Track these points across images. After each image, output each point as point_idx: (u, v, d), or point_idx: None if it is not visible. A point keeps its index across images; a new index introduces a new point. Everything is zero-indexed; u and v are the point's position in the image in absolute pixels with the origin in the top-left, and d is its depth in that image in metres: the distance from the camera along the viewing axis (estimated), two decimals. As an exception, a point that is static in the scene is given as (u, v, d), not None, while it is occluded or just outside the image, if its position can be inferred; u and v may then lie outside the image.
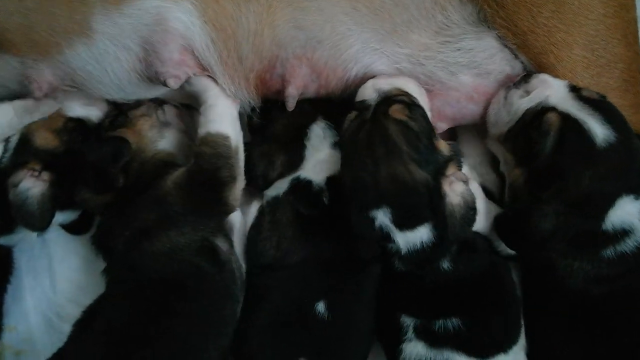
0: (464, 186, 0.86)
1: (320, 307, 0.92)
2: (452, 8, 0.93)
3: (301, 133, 1.01)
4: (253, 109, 1.01)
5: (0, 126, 1.05)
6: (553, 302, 0.90)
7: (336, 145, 0.99)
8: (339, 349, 0.95)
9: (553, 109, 0.86)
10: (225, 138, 0.95)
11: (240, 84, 0.97)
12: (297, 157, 1.00)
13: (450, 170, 0.87)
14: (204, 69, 0.94)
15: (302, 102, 1.02)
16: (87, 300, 1.09)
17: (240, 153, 0.96)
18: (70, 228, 1.13)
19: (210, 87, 0.96)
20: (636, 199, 0.84)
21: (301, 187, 0.99)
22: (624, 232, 0.85)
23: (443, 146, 0.89)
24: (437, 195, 0.83)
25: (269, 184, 1.01)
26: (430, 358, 0.92)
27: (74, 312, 1.09)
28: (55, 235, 1.16)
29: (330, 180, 0.97)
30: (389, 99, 0.89)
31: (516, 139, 0.91)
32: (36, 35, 0.95)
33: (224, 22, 0.93)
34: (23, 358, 1.16)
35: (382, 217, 0.84)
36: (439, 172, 0.85)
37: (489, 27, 0.93)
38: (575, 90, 0.88)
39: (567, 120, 0.85)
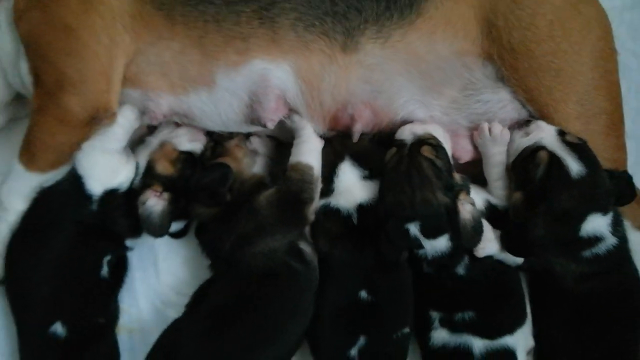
0: (472, 206, 1.14)
1: (363, 294, 1.17)
2: (476, 69, 1.21)
3: (333, 168, 1.23)
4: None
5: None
6: (552, 297, 1.16)
7: (366, 178, 1.22)
8: (384, 325, 1.18)
9: (544, 148, 1.14)
10: (310, 168, 1.19)
11: (318, 121, 1.25)
12: (328, 188, 1.22)
13: (462, 195, 1.15)
14: (293, 112, 1.21)
15: (332, 142, 1.25)
16: (185, 289, 1.35)
17: (319, 181, 1.19)
18: (172, 234, 1.34)
19: (306, 127, 1.22)
20: (603, 215, 1.11)
21: (329, 212, 1.22)
22: (596, 239, 1.12)
23: (457, 178, 1.18)
24: (454, 213, 1.12)
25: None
26: (452, 341, 1.17)
27: (174, 299, 1.37)
28: (160, 239, 1.34)
29: (360, 206, 1.20)
30: (421, 141, 1.18)
31: (517, 169, 1.18)
32: (167, 78, 1.22)
33: (312, 78, 1.20)
34: (134, 334, 1.35)
35: (414, 229, 1.12)
36: (455, 197, 1.13)
37: (504, 84, 1.21)
38: (562, 134, 1.16)
39: (553, 157, 1.12)
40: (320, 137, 1.25)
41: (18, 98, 1.38)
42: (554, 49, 1.19)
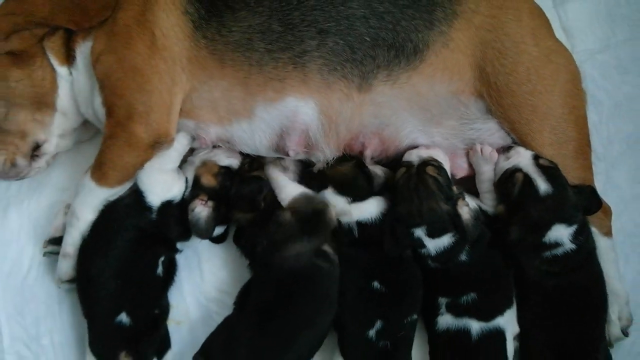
0: (468, 207, 1.35)
1: (376, 284, 1.34)
2: (470, 104, 1.42)
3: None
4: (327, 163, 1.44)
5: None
6: (526, 288, 1.35)
7: (352, 201, 1.38)
8: (396, 311, 1.34)
9: (520, 170, 1.35)
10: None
11: (333, 148, 1.43)
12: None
13: (460, 201, 1.36)
14: (310, 144, 1.40)
15: (318, 174, 1.43)
16: (224, 287, 1.52)
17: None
18: (213, 239, 1.50)
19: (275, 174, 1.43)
20: (568, 225, 1.32)
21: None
22: (556, 244, 1.32)
23: (455, 189, 1.39)
24: (457, 217, 1.33)
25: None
26: (454, 325, 1.34)
27: (216, 295, 1.52)
28: (203, 244, 1.52)
29: (359, 222, 1.37)
30: (426, 162, 1.39)
31: (499, 187, 1.40)
32: (215, 111, 1.40)
33: (331, 113, 1.39)
34: (182, 326, 1.49)
35: (419, 232, 1.32)
36: (454, 204, 1.34)
37: (492, 116, 1.42)
38: (536, 159, 1.36)
39: (527, 177, 1.34)
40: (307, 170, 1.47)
41: (82, 125, 1.56)
42: (531, 90, 1.38)
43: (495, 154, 1.42)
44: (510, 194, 1.36)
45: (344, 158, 1.45)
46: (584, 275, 1.34)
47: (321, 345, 1.36)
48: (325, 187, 1.42)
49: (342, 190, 1.40)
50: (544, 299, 1.34)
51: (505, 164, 1.38)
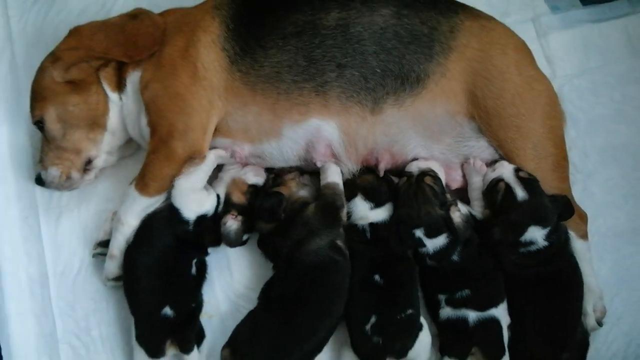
0: (460, 212, 1.50)
1: (377, 277, 1.48)
2: (464, 124, 1.58)
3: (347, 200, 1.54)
4: (354, 175, 1.59)
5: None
6: (511, 280, 1.51)
7: (373, 207, 1.52)
8: (390, 305, 1.46)
9: (503, 180, 1.50)
10: (337, 184, 1.54)
11: (353, 161, 1.57)
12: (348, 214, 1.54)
13: (453, 207, 1.50)
14: (334, 155, 1.56)
15: (352, 183, 1.56)
16: (251, 284, 1.63)
17: (343, 192, 1.54)
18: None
19: (328, 163, 1.57)
20: (543, 227, 1.47)
21: (351, 226, 1.55)
22: (531, 242, 1.47)
23: (448, 197, 1.54)
24: (450, 220, 1.48)
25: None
26: (453, 315, 1.48)
27: (243, 291, 1.64)
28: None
29: (372, 224, 1.52)
30: (424, 173, 1.54)
31: (487, 194, 1.55)
32: (248, 132, 1.54)
33: (350, 132, 1.54)
34: (213, 319, 1.61)
35: (419, 233, 1.48)
36: (447, 210, 1.49)
37: (483, 135, 1.57)
38: (517, 171, 1.50)
39: (508, 187, 1.49)
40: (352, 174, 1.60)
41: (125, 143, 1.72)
42: (516, 113, 1.52)
43: (485, 167, 1.57)
44: (494, 201, 1.51)
45: (365, 170, 1.60)
46: (556, 265, 1.48)
47: (334, 332, 1.49)
48: (355, 195, 1.56)
49: (368, 197, 1.55)
50: (526, 288, 1.49)
51: (492, 175, 1.52)
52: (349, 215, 1.57)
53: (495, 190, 1.51)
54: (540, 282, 1.50)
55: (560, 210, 1.50)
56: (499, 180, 1.51)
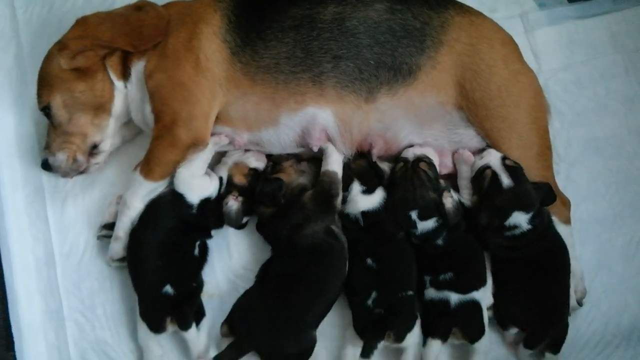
0: (452, 199, 1.57)
1: (369, 261, 1.54)
2: (454, 113, 1.64)
3: (346, 187, 1.60)
4: (349, 159, 1.64)
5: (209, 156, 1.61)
6: (498, 262, 1.59)
7: (365, 192, 1.57)
8: (388, 283, 1.52)
9: (489, 167, 1.55)
10: (335, 173, 1.59)
11: (347, 147, 1.62)
12: (344, 200, 1.60)
13: (445, 193, 1.57)
14: (330, 140, 1.61)
15: (347, 167, 1.61)
16: (250, 265, 1.69)
17: (340, 182, 1.59)
18: (238, 226, 1.66)
19: (330, 148, 1.61)
20: (526, 213, 1.52)
21: (344, 215, 1.61)
22: (515, 226, 1.53)
23: (442, 182, 1.61)
24: (441, 205, 1.56)
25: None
26: (436, 296, 1.55)
27: (242, 272, 1.70)
28: (231, 231, 1.71)
29: (363, 212, 1.56)
30: (419, 159, 1.60)
31: (474, 181, 1.60)
32: (247, 120, 1.59)
33: (345, 119, 1.59)
34: (214, 298, 1.67)
35: (414, 215, 1.55)
36: (440, 194, 1.56)
37: (471, 124, 1.63)
38: (504, 159, 1.55)
39: (494, 174, 1.54)
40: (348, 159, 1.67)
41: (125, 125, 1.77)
42: (502, 104, 1.58)
43: (472, 158, 1.62)
44: (481, 187, 1.57)
45: (359, 155, 1.65)
46: (542, 245, 1.55)
47: (330, 309, 1.57)
48: (352, 180, 1.62)
49: (361, 181, 1.61)
50: (515, 268, 1.57)
51: (479, 163, 1.59)
52: (344, 201, 1.62)
53: (482, 177, 1.57)
54: (528, 262, 1.56)
55: (543, 197, 1.56)
56: (486, 167, 1.57)
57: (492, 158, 1.58)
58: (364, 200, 1.61)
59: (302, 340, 1.51)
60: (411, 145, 1.66)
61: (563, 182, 1.77)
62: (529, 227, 1.54)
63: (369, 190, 1.61)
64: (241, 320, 1.53)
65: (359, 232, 1.61)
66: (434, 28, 1.62)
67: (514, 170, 1.56)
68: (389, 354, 1.60)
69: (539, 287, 1.56)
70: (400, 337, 1.53)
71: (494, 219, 1.55)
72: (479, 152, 1.65)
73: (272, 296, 1.52)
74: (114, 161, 1.81)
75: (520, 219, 1.54)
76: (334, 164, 1.61)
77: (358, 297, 1.57)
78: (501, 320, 1.62)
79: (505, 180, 1.54)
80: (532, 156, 1.62)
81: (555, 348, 1.57)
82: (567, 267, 1.58)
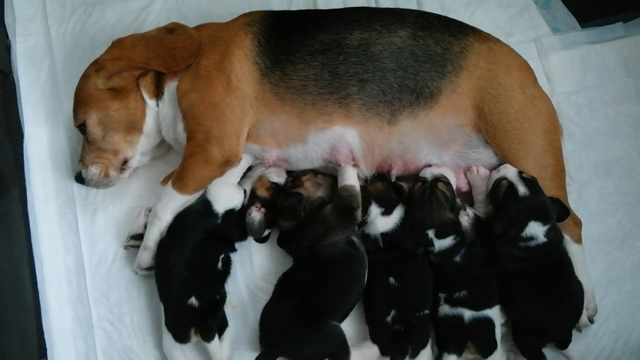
0: (468, 217, 1.63)
1: (392, 280, 1.61)
2: (472, 134, 1.70)
3: (364, 210, 1.65)
4: (365, 182, 1.71)
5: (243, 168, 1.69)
6: (509, 276, 1.62)
7: (384, 214, 1.62)
8: (407, 302, 1.59)
9: (506, 178, 1.60)
10: (353, 187, 1.65)
11: (369, 167, 1.69)
12: (364, 221, 1.67)
13: (462, 212, 1.63)
14: (354, 159, 1.67)
15: (364, 190, 1.66)
16: (271, 278, 1.71)
17: (359, 194, 1.65)
18: (259, 240, 1.76)
19: (346, 165, 1.68)
20: (543, 224, 1.56)
21: (365, 235, 1.67)
22: (531, 238, 1.56)
23: (458, 201, 1.67)
24: (458, 224, 1.61)
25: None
26: (450, 312, 1.59)
27: (263, 285, 1.76)
28: (254, 246, 1.78)
29: (382, 233, 1.63)
30: (437, 179, 1.66)
31: (491, 193, 1.64)
32: (276, 138, 1.66)
33: (368, 140, 1.65)
34: (236, 309, 1.73)
35: (431, 234, 1.61)
36: (457, 213, 1.63)
37: (489, 145, 1.69)
38: (520, 173, 1.61)
39: (510, 184, 1.59)
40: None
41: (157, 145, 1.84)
42: (519, 127, 1.64)
43: (487, 173, 1.68)
44: (497, 197, 1.61)
45: (375, 177, 1.72)
46: (557, 257, 1.59)
47: (349, 314, 1.63)
48: (370, 203, 1.67)
49: (379, 203, 1.67)
50: (523, 281, 1.60)
51: (496, 175, 1.64)
52: (364, 222, 1.68)
53: (498, 187, 1.61)
54: (534, 273, 1.60)
55: (558, 210, 1.60)
56: (502, 178, 1.62)
57: (509, 171, 1.63)
58: (382, 222, 1.66)
59: (326, 336, 1.55)
60: (429, 165, 1.71)
61: (574, 202, 1.81)
62: (545, 239, 1.57)
63: (387, 211, 1.67)
64: (266, 331, 1.58)
65: (378, 251, 1.66)
66: (455, 54, 1.68)
67: (530, 182, 1.60)
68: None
69: (552, 292, 1.60)
70: (415, 353, 1.58)
71: (510, 228, 1.57)
72: (494, 168, 1.70)
73: (295, 302, 1.56)
74: (141, 175, 1.88)
75: (537, 231, 1.57)
76: (351, 178, 1.67)
77: (378, 313, 1.63)
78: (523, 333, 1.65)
79: (522, 189, 1.58)
80: (547, 176, 1.67)
81: (563, 344, 1.63)
82: (573, 272, 1.62)
